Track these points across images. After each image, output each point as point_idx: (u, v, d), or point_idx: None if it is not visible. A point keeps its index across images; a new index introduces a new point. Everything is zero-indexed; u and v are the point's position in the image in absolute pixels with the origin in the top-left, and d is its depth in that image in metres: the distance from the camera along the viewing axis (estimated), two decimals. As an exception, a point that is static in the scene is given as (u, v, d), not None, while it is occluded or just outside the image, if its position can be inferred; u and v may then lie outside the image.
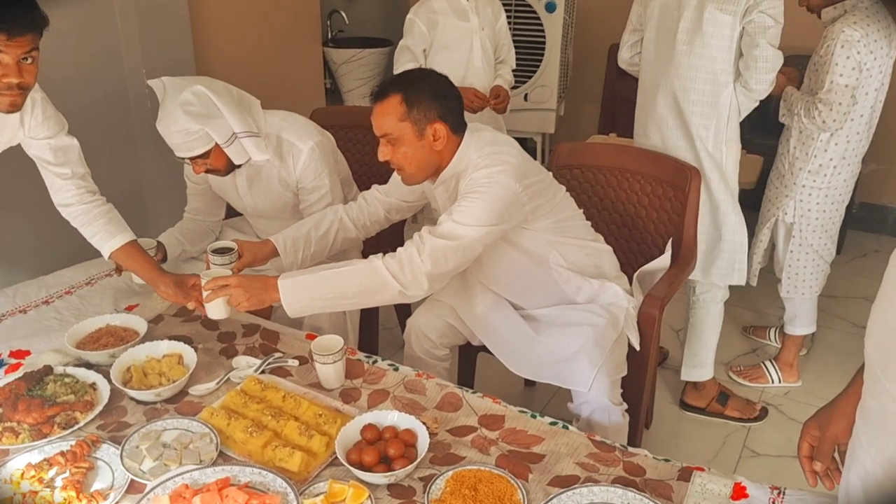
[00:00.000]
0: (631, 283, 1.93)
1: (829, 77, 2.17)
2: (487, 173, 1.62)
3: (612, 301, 1.79)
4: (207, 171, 1.90)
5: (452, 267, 1.60)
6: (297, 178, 1.99)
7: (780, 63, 2.05)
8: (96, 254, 1.85)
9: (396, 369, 1.65)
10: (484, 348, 1.95)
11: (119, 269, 1.90)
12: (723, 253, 2.26)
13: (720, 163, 2.17)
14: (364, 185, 2.15)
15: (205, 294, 1.62)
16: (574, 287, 1.80)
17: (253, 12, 3.38)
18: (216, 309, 1.64)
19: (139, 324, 1.73)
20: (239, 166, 1.92)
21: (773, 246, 2.55)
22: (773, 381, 2.61)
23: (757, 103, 2.16)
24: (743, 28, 2.03)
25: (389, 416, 1.42)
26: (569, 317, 1.77)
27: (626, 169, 2.20)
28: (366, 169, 2.49)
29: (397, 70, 2.61)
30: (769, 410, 2.47)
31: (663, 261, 1.95)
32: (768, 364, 2.64)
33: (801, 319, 2.53)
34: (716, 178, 2.18)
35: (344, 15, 4.27)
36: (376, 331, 2.34)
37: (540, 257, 1.78)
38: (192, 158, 1.85)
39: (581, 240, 1.83)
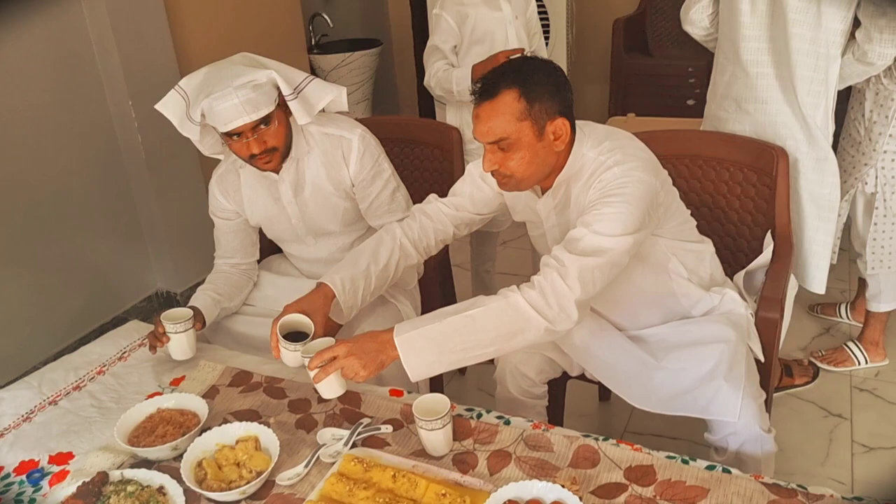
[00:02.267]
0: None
1: None
2: (621, 171, 1.38)
3: (730, 309, 1.58)
4: (263, 155, 1.66)
5: (600, 288, 1.35)
6: (353, 172, 1.79)
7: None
8: (105, 312, 1.61)
9: (508, 422, 1.42)
10: (578, 377, 1.74)
11: (153, 347, 1.65)
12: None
13: (830, 144, 1.97)
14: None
15: (311, 374, 1.38)
16: (693, 300, 1.59)
17: (234, 24, 3.13)
18: (329, 387, 1.39)
19: (197, 404, 1.47)
20: (285, 160, 1.75)
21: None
22: (859, 363, 2.43)
23: (864, 76, 1.96)
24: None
25: (531, 488, 1.20)
26: (689, 334, 1.54)
27: (699, 156, 1.98)
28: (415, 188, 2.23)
29: (430, 74, 2.36)
30: (865, 396, 2.30)
31: (766, 256, 1.75)
32: (851, 345, 2.46)
33: (886, 294, 2.35)
34: (828, 157, 1.97)
35: (327, 18, 4.00)
36: (441, 375, 2.10)
37: (660, 266, 1.55)
38: (254, 128, 1.62)
39: (695, 243, 1.61)
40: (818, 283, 2.15)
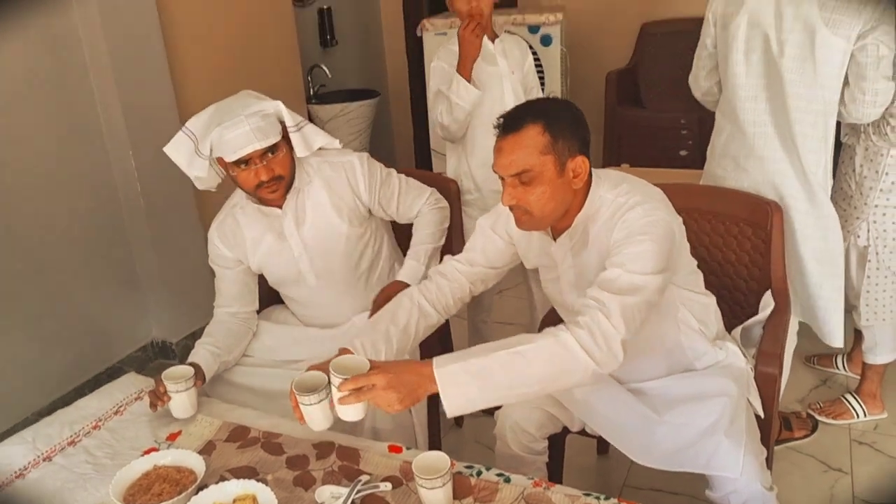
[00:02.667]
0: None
1: None
2: (643, 211, 1.40)
3: (731, 362, 1.58)
4: (271, 183, 1.73)
5: (639, 327, 1.34)
6: (365, 190, 1.88)
7: (890, 96, 1.91)
8: (100, 361, 1.60)
9: (508, 480, 1.40)
10: (578, 432, 1.73)
11: (154, 406, 1.64)
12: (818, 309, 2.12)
13: (829, 199, 2.01)
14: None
15: (338, 395, 1.32)
16: (698, 352, 1.59)
17: (235, 75, 3.18)
18: (352, 412, 1.34)
19: (193, 461, 1.45)
20: (288, 190, 1.81)
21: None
22: (858, 416, 2.42)
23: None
24: (852, 54, 1.87)
25: (532, 551, 1.18)
26: (691, 387, 1.54)
27: (694, 209, 2.01)
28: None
29: (435, 119, 2.37)
30: (865, 450, 2.28)
31: (767, 312, 1.76)
32: (849, 397, 2.45)
33: (882, 347, 2.35)
34: (829, 213, 2.02)
35: (325, 69, 4.07)
36: (438, 427, 2.09)
37: (669, 315, 1.55)
38: (262, 156, 1.70)
39: (703, 295, 1.63)
40: (836, 338, 2.15)
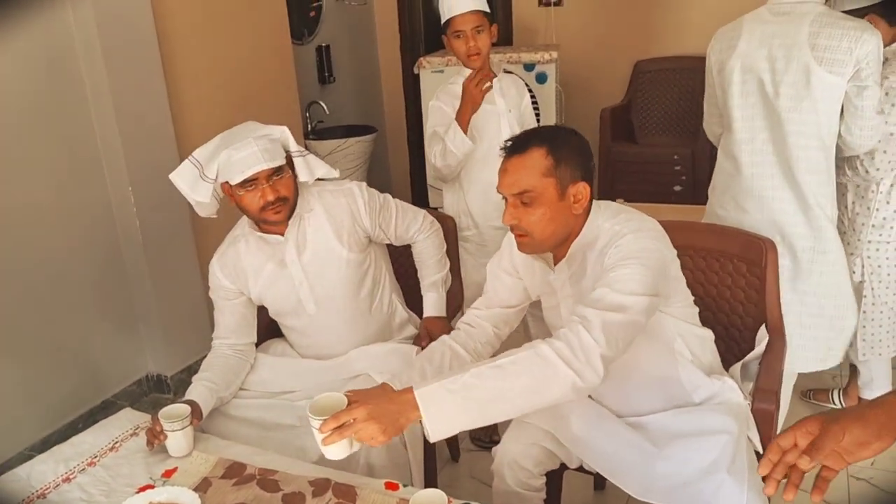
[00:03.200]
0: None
1: None
2: (635, 238, 1.44)
3: (729, 398, 1.59)
4: (276, 203, 1.78)
5: (622, 347, 1.35)
6: (366, 216, 1.93)
7: (880, 129, 1.96)
8: (94, 395, 1.60)
9: (506, 518, 1.40)
10: (576, 468, 1.72)
11: (150, 444, 1.63)
12: (827, 339, 2.15)
13: (836, 235, 2.06)
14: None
15: (320, 437, 1.30)
16: (695, 384, 1.60)
17: (234, 111, 3.20)
18: (338, 450, 1.32)
19: (189, 499, 1.44)
20: (292, 213, 1.86)
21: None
22: (854, 452, 2.42)
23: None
24: (846, 91, 1.93)
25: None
26: (691, 423, 1.54)
27: (690, 246, 2.02)
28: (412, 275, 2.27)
29: (434, 155, 2.40)
30: (862, 486, 2.28)
31: (760, 350, 1.77)
32: (840, 409, 2.45)
33: (878, 382, 2.37)
34: (836, 248, 2.07)
35: (324, 105, 4.12)
36: (434, 462, 2.08)
37: (665, 345, 1.57)
38: (269, 177, 1.75)
39: (700, 328, 1.65)
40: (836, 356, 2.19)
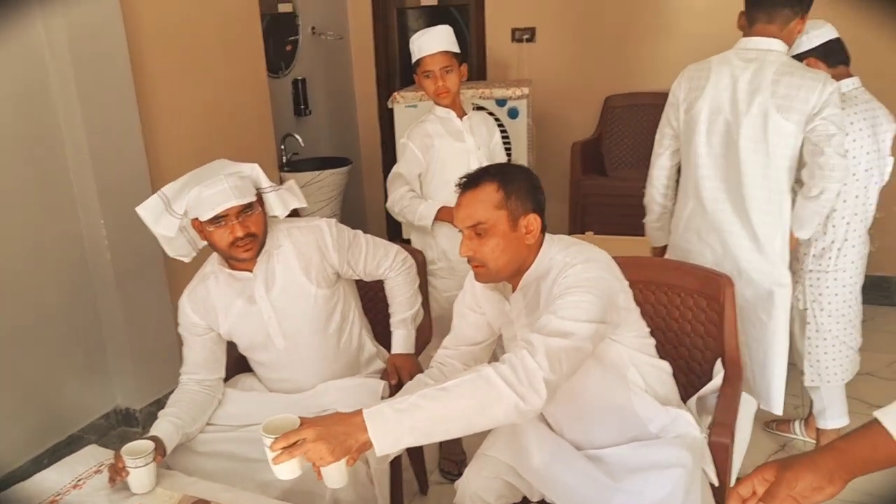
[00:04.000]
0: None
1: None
2: (583, 268, 1.50)
3: (686, 431, 1.63)
4: (245, 240, 1.80)
5: (567, 371, 1.39)
6: (334, 253, 1.95)
7: (846, 174, 2.04)
8: (61, 429, 1.59)
9: (467, 553, 1.42)
10: (538, 502, 1.74)
11: (112, 480, 1.63)
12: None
13: (787, 272, 2.15)
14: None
15: (270, 455, 1.32)
16: (650, 414, 1.64)
17: (208, 144, 3.25)
18: (288, 469, 1.33)
19: (152, 535, 1.45)
20: (262, 249, 1.88)
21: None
22: (815, 483, 2.47)
23: (817, 216, 2.12)
24: (805, 136, 2.01)
25: None
26: (648, 457, 1.58)
27: (652, 281, 2.08)
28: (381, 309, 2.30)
29: (393, 200, 2.49)
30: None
31: (716, 383, 1.82)
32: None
33: (831, 411, 2.43)
34: (785, 291, 2.16)
35: (298, 138, 4.16)
36: (401, 496, 2.10)
37: (619, 374, 1.62)
38: (239, 213, 1.77)
39: (655, 359, 1.70)
40: (778, 405, 2.25)
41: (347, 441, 1.28)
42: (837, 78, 2.27)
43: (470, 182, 1.59)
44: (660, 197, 2.38)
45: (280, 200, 1.89)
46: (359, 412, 1.31)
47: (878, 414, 1.10)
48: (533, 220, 1.57)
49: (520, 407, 1.32)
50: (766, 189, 2.10)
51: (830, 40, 2.27)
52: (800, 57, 2.26)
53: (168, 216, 1.81)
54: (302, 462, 1.33)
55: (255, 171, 1.85)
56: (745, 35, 2.14)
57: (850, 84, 2.28)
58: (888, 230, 3.80)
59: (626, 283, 1.62)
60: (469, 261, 1.60)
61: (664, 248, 2.46)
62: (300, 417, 1.37)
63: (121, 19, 2.77)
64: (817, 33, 2.26)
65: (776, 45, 2.08)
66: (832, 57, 2.27)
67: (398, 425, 1.28)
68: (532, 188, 1.59)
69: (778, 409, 2.27)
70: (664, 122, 2.31)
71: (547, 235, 1.63)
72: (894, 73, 3.38)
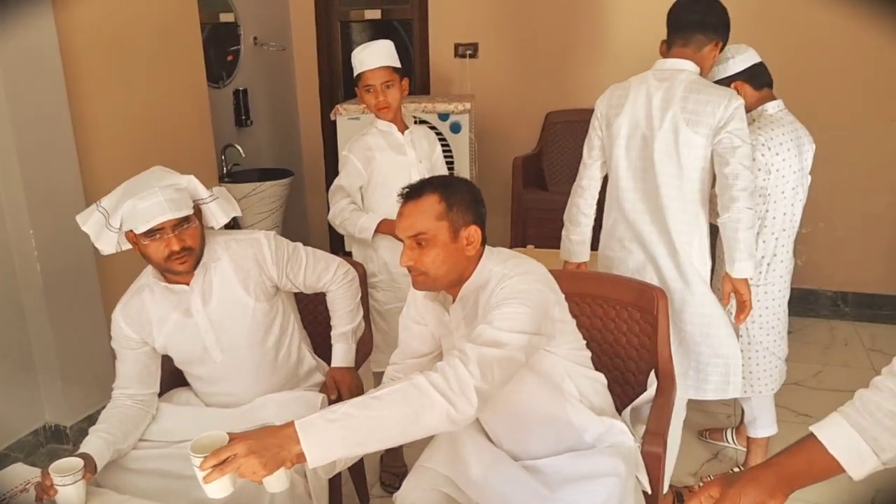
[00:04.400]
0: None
1: None
2: (519, 280, 1.53)
3: (620, 441, 1.67)
4: (181, 254, 1.77)
5: (499, 381, 1.40)
6: (273, 266, 1.94)
7: (751, 183, 2.12)
8: None
9: (404, 565, 1.42)
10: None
11: (39, 499, 1.58)
12: (717, 367, 2.27)
13: (705, 277, 2.21)
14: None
15: (201, 475, 1.28)
16: (584, 423, 1.67)
17: (144, 153, 3.17)
18: (220, 488, 1.29)
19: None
20: (199, 262, 1.85)
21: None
22: (745, 489, 2.55)
23: (740, 242, 2.16)
24: (713, 149, 2.13)
25: None
26: (583, 467, 1.61)
27: (588, 294, 2.13)
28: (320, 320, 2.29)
29: (334, 212, 2.49)
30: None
31: (650, 394, 1.87)
32: (737, 471, 2.58)
33: (761, 420, 2.52)
34: (703, 291, 2.21)
35: (239, 148, 4.11)
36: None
37: (554, 384, 1.65)
38: (175, 226, 1.74)
39: (590, 370, 1.74)
40: (734, 388, 2.32)
41: (280, 453, 1.26)
42: (763, 100, 2.39)
43: (412, 192, 1.61)
44: (587, 208, 2.46)
45: (219, 208, 1.88)
46: (290, 424, 1.29)
47: (813, 429, 1.16)
48: (474, 232, 1.60)
49: (451, 415, 1.33)
50: (681, 199, 2.21)
51: (755, 64, 2.38)
52: (727, 80, 2.37)
53: (108, 232, 1.77)
54: (234, 479, 1.30)
55: (191, 182, 1.82)
56: (664, 58, 2.28)
57: (776, 106, 2.39)
58: (814, 246, 4.00)
59: (562, 295, 1.66)
60: (409, 270, 1.62)
61: (579, 266, 2.50)
62: (228, 433, 1.33)
63: (53, 26, 2.70)
64: (742, 57, 2.37)
65: (688, 65, 2.22)
66: (757, 80, 2.38)
67: (330, 435, 1.27)
68: (473, 200, 1.62)
69: (736, 394, 2.33)
70: (591, 134, 2.42)
71: (487, 248, 1.66)
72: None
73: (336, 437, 1.27)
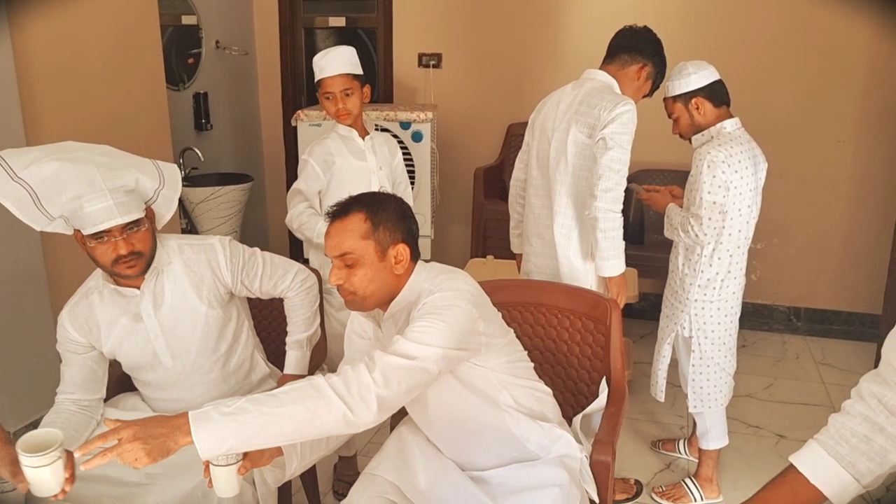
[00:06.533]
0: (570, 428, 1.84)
1: (698, 194, 2.31)
2: (442, 297, 1.52)
3: (566, 452, 1.68)
4: (129, 258, 1.72)
5: (405, 390, 1.41)
6: (227, 272, 1.90)
7: (616, 186, 2.22)
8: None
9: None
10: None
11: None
12: None
13: (583, 273, 2.39)
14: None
15: (31, 473, 1.25)
16: (525, 431, 1.67)
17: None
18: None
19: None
20: (148, 267, 1.80)
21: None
22: (695, 500, 2.58)
23: (606, 241, 2.28)
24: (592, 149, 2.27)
25: None
26: (528, 478, 1.62)
27: (542, 304, 2.15)
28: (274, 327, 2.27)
29: (292, 215, 2.49)
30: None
31: (601, 401, 1.88)
32: (688, 481, 2.62)
33: (713, 433, 2.55)
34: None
35: (198, 152, 4.06)
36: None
37: (490, 398, 1.65)
38: (123, 230, 1.69)
39: (529, 380, 1.73)
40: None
41: (167, 443, 1.25)
42: (721, 117, 2.41)
43: (339, 212, 1.58)
44: (517, 205, 2.68)
45: (166, 202, 1.84)
46: (184, 414, 1.29)
47: (793, 460, 1.19)
48: (402, 250, 1.58)
49: (348, 417, 1.33)
50: (567, 195, 2.37)
51: (714, 81, 2.41)
52: (689, 95, 2.40)
53: (37, 211, 1.67)
54: (240, 479, 1.34)
55: (139, 182, 1.77)
56: None
57: (734, 124, 2.41)
58: (768, 262, 4.08)
59: (493, 310, 1.65)
60: (338, 289, 1.59)
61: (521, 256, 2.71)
62: (111, 420, 1.32)
63: (6, 26, 2.63)
64: (703, 74, 2.40)
65: (602, 76, 2.39)
66: (717, 97, 2.41)
67: (222, 428, 1.27)
68: (402, 217, 1.60)
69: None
70: (525, 139, 2.61)
71: (419, 263, 1.64)
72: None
73: (228, 430, 1.27)
